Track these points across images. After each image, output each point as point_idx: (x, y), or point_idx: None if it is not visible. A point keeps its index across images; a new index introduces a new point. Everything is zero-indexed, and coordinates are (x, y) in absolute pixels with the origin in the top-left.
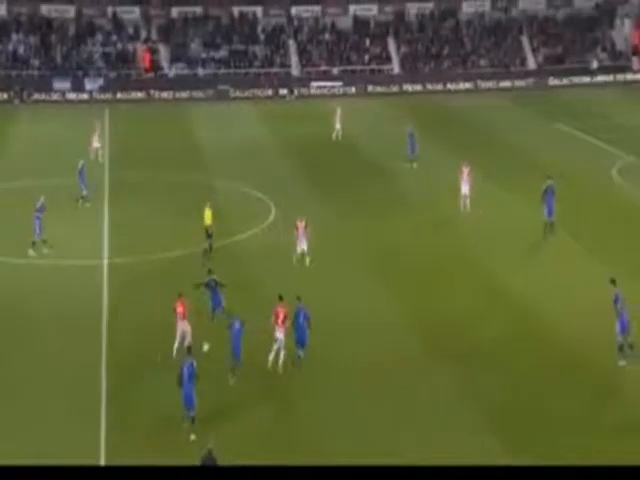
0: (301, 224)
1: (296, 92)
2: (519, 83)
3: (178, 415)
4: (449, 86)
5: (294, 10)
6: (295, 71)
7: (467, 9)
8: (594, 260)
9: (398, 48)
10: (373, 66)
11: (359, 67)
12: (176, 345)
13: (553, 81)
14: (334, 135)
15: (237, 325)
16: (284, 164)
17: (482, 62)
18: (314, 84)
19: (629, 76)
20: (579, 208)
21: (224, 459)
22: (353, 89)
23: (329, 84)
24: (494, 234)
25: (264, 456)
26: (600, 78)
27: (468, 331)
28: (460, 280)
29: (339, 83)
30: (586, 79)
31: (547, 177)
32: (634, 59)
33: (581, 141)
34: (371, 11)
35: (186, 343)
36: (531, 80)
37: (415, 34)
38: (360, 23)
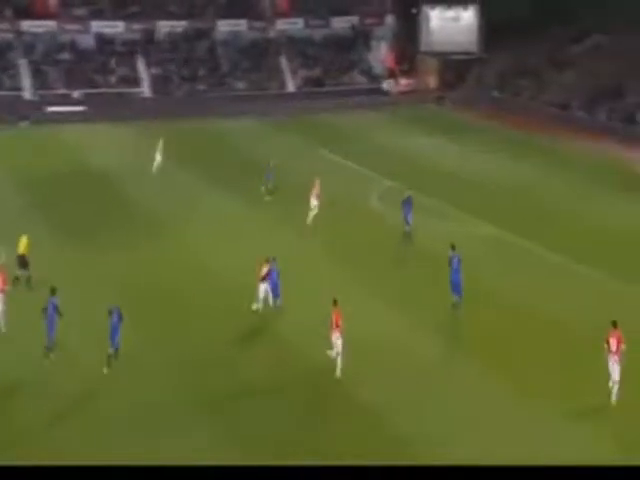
0: None
1: (30, 118)
2: (279, 106)
3: None
4: (205, 110)
5: (25, 25)
6: (27, 94)
7: (222, 28)
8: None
9: (148, 69)
10: (121, 89)
11: (104, 90)
12: None
13: (313, 104)
14: (154, 168)
15: (115, 317)
16: (15, 202)
17: (239, 84)
18: (50, 109)
19: (387, 99)
20: (343, 236)
21: None
22: (97, 114)
23: (68, 109)
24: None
25: None
26: (358, 99)
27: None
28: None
29: (81, 108)
30: (345, 102)
31: (406, 189)
32: (390, 82)
33: (343, 167)
34: (116, 28)
35: None
36: (291, 103)
37: (167, 54)
38: (104, 41)
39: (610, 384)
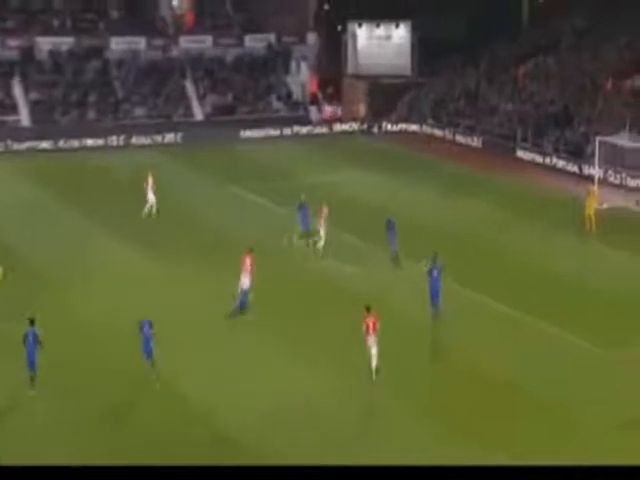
0: None
1: None
2: (184, 136)
3: None
4: (95, 141)
5: None
6: None
7: (117, 46)
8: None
9: (27, 94)
10: None
11: None
12: None
13: (223, 134)
14: (146, 210)
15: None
16: None
17: (137, 111)
18: None
19: (309, 129)
20: (259, 287)
21: None
22: None
23: None
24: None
25: None
26: (276, 129)
27: None
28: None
29: None
30: (261, 132)
31: (389, 215)
32: (312, 109)
33: (259, 206)
34: None
35: None
36: (198, 133)
37: (49, 76)
38: None
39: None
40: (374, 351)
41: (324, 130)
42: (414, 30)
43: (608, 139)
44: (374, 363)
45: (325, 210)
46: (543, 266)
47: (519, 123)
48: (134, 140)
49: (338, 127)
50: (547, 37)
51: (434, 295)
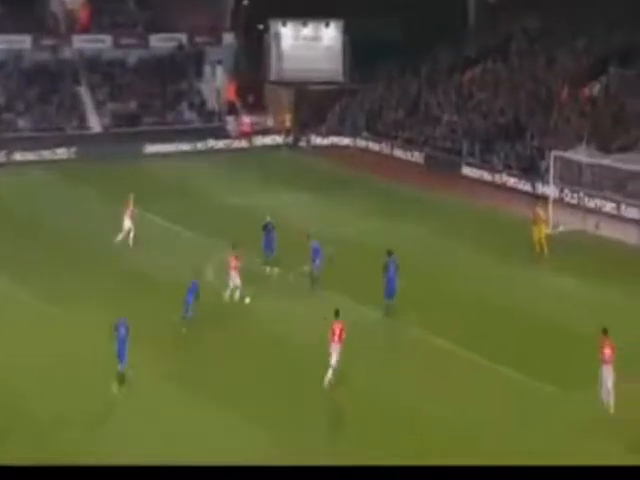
0: None
1: None
2: (78, 152)
3: None
4: None
5: None
6: None
7: None
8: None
9: None
10: None
11: None
12: None
13: (125, 148)
14: (120, 237)
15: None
16: None
17: (21, 122)
18: None
19: (226, 142)
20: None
21: None
22: None
23: None
24: None
25: None
26: (188, 142)
27: None
28: None
29: None
30: (170, 146)
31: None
32: (229, 120)
33: (166, 231)
34: None
35: None
36: (95, 147)
37: None
38: None
39: None
40: (333, 360)
41: (243, 144)
42: (346, 30)
43: (564, 154)
44: (329, 374)
45: (234, 262)
46: (488, 297)
47: (465, 136)
48: (18, 156)
49: (259, 141)
50: (496, 39)
51: (390, 291)
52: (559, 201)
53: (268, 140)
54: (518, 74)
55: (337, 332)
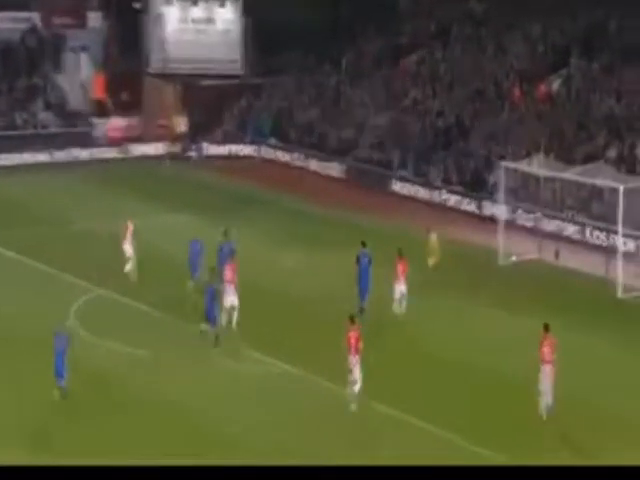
0: None
1: None
2: None
3: None
4: None
5: None
6: None
7: None
8: None
9: None
10: None
11: None
12: None
13: None
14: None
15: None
16: None
17: None
18: None
19: (93, 152)
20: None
21: None
22: None
23: None
24: None
25: None
26: (43, 151)
27: None
28: None
29: None
30: (19, 156)
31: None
32: (97, 123)
33: (14, 264)
34: None
35: None
36: None
37: None
38: None
39: None
40: (356, 375)
41: (115, 154)
42: (247, 11)
43: (517, 165)
44: (355, 390)
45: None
46: (421, 343)
47: (396, 143)
48: None
49: (137, 149)
50: (434, 25)
51: (362, 288)
52: (511, 224)
53: (147, 149)
54: (460, 67)
55: (353, 342)
